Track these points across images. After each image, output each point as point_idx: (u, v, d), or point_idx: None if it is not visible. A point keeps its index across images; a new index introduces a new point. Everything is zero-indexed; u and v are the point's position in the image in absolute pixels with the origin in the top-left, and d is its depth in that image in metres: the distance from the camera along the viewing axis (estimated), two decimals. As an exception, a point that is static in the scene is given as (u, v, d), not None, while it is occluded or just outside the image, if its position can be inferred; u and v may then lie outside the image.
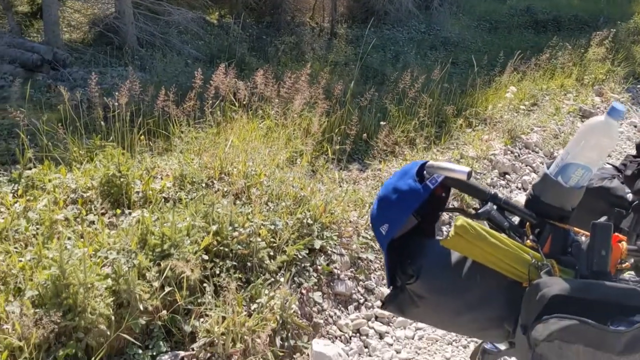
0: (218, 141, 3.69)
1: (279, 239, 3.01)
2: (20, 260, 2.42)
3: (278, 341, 2.64)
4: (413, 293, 1.38)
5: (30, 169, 3.15)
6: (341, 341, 2.91)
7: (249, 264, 2.84)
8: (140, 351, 2.38)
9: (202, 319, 2.52)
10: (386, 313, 3.13)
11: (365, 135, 4.88)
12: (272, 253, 2.94)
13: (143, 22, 9.18)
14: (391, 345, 2.92)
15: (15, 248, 2.54)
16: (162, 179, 3.26)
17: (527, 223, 1.36)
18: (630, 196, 1.89)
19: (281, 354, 2.62)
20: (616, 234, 1.31)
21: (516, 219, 1.40)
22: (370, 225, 1.45)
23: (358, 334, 2.99)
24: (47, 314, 2.20)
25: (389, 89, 6.30)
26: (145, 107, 3.97)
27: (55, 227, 2.69)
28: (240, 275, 2.74)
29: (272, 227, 3.03)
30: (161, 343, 2.42)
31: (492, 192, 1.38)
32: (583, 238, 1.36)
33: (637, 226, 1.83)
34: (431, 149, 5.05)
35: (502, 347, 1.49)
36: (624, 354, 1.16)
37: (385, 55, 13.57)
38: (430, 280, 1.36)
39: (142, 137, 3.68)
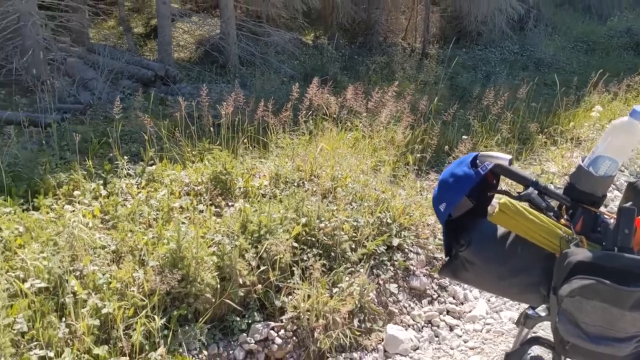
0: (309, 148, 4.10)
1: (360, 234, 3.36)
2: (144, 238, 2.92)
3: (356, 322, 2.98)
4: (465, 260, 1.69)
5: (151, 165, 3.70)
6: (413, 329, 3.20)
7: (332, 253, 3.20)
8: (238, 318, 2.80)
9: (290, 296, 2.91)
10: (457, 308, 3.38)
11: (447, 147, 5.14)
12: (353, 246, 3.29)
13: (245, 43, 9.88)
14: (460, 336, 3.17)
15: (139, 228, 3.05)
16: (260, 177, 3.71)
17: (563, 206, 1.64)
18: None
19: (358, 333, 2.95)
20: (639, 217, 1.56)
21: (555, 204, 1.67)
22: (432, 204, 1.77)
23: (430, 325, 3.26)
24: (164, 281, 2.67)
25: (472, 106, 6.51)
26: (246, 117, 4.45)
27: (171, 213, 3.19)
28: (324, 262, 3.11)
29: (355, 223, 3.38)
30: (255, 314, 2.83)
31: (534, 179, 1.67)
32: (611, 220, 1.61)
33: None
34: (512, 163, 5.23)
35: (542, 313, 1.75)
36: (635, 310, 1.41)
37: (476, 75, 13.62)
38: (478, 249, 1.66)
39: (245, 141, 4.16)
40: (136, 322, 2.50)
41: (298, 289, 2.89)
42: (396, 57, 14.61)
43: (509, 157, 1.64)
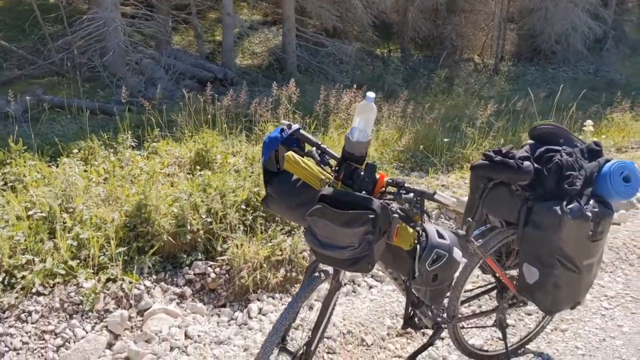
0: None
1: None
2: (128, 191, 3.84)
3: (282, 270, 3.72)
4: (270, 194, 2.43)
5: (156, 142, 4.66)
6: (337, 286, 3.88)
7: (277, 218, 3.97)
8: (185, 256, 3.65)
9: (227, 244, 3.71)
10: (380, 273, 4.02)
11: (421, 147, 5.77)
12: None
13: (305, 53, 10.81)
14: (374, 293, 3.83)
15: (128, 184, 3.98)
16: (236, 157, 4.56)
17: (336, 162, 2.33)
18: None
19: (282, 279, 3.69)
20: (382, 172, 2.24)
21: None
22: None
23: (352, 282, 3.93)
24: (132, 221, 3.58)
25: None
26: (269, 113, 5.32)
27: (156, 177, 4.10)
28: (265, 223, 3.88)
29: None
30: (199, 254, 3.67)
31: (319, 143, 2.37)
32: (362, 173, 2.28)
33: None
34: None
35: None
36: (344, 226, 2.09)
37: (539, 93, 13.79)
38: (277, 187, 2.39)
39: (242, 129, 5.05)
40: (104, 248, 3.42)
41: (235, 239, 3.70)
42: (461, 71, 15.01)
43: (296, 125, 2.36)
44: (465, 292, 2.96)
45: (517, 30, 17.16)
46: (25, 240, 3.32)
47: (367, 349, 3.13)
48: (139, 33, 10.42)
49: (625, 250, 4.38)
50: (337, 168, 2.31)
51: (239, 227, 3.79)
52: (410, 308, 2.83)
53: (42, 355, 2.96)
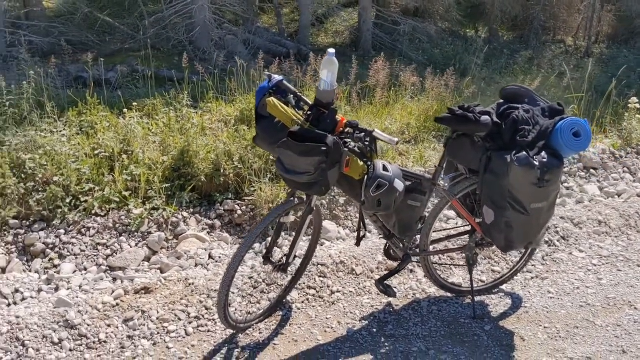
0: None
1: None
2: (178, 140, 4.56)
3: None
4: (258, 132, 2.99)
5: (210, 103, 5.37)
6: (347, 229, 4.40)
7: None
8: (218, 194, 4.31)
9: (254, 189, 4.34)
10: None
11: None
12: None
13: (380, 31, 11.21)
14: (374, 238, 4.30)
15: (178, 135, 4.69)
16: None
17: (308, 107, 2.86)
18: None
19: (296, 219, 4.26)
20: (342, 116, 2.76)
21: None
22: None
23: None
24: (176, 164, 4.29)
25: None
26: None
27: (202, 130, 4.80)
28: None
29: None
30: (230, 194, 4.32)
31: (297, 92, 2.90)
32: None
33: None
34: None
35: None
36: (302, 155, 2.61)
37: (630, 77, 13.33)
38: (263, 127, 2.95)
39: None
40: (152, 183, 4.16)
41: (260, 183, 4.31)
42: (547, 53, 14.73)
43: (280, 77, 2.90)
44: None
45: (615, 11, 16.44)
46: (89, 173, 4.13)
47: (355, 277, 3.65)
48: (230, 12, 11.29)
49: (637, 218, 4.55)
50: (308, 112, 2.84)
51: (266, 174, 4.39)
52: (386, 243, 3.34)
53: (94, 261, 3.74)
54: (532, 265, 3.87)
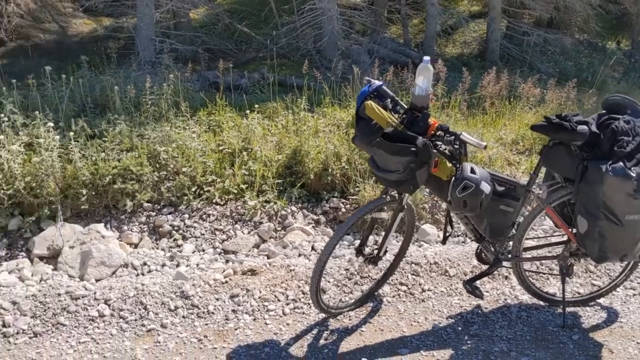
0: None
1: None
2: (293, 140, 4.93)
3: (401, 215, 4.47)
4: (356, 132, 3.22)
5: (326, 108, 5.70)
6: (450, 235, 4.49)
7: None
8: (325, 192, 4.61)
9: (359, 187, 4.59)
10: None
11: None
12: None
13: (509, 42, 11.02)
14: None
15: (294, 136, 5.07)
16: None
17: (403, 111, 3.05)
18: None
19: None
20: (434, 119, 2.94)
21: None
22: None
23: (466, 235, 4.51)
24: (289, 162, 4.66)
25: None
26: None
27: (317, 133, 5.13)
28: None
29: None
30: (336, 193, 4.60)
31: (394, 96, 3.11)
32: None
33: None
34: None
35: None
36: (394, 155, 2.82)
37: None
38: (361, 128, 3.18)
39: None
40: (266, 178, 4.56)
41: (365, 184, 4.55)
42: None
43: (379, 82, 3.12)
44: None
45: None
46: (213, 166, 4.61)
47: (448, 279, 3.77)
48: (359, 23, 11.69)
49: None
50: (403, 115, 3.04)
51: (370, 175, 4.62)
52: (478, 245, 3.44)
53: (211, 244, 4.19)
54: (638, 283, 3.75)
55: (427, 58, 2.93)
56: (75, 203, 4.29)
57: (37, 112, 4.57)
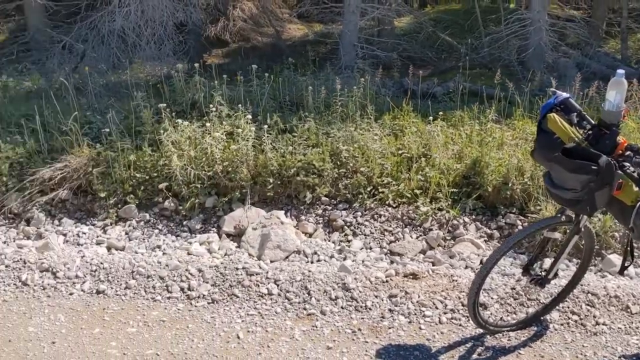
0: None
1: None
2: (474, 150, 4.82)
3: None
4: (536, 146, 3.05)
5: (516, 120, 5.46)
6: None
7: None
8: (502, 207, 4.43)
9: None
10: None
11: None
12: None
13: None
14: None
15: (476, 146, 4.93)
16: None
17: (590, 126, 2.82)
18: None
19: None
20: (624, 139, 2.70)
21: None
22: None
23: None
24: (467, 172, 4.56)
25: None
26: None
27: (502, 145, 4.93)
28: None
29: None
30: (514, 209, 4.40)
31: (580, 110, 2.89)
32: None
33: None
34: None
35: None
36: (573, 173, 2.64)
37: None
38: (541, 141, 3.01)
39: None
40: (442, 186, 4.52)
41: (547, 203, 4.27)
42: None
43: (567, 94, 2.93)
44: None
45: None
46: (390, 169, 4.70)
47: (629, 315, 3.40)
48: (572, 35, 10.96)
49: None
50: (589, 131, 2.83)
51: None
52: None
53: (379, 243, 4.29)
54: None
55: (621, 71, 2.69)
56: (263, 189, 4.69)
57: (240, 105, 5.07)
